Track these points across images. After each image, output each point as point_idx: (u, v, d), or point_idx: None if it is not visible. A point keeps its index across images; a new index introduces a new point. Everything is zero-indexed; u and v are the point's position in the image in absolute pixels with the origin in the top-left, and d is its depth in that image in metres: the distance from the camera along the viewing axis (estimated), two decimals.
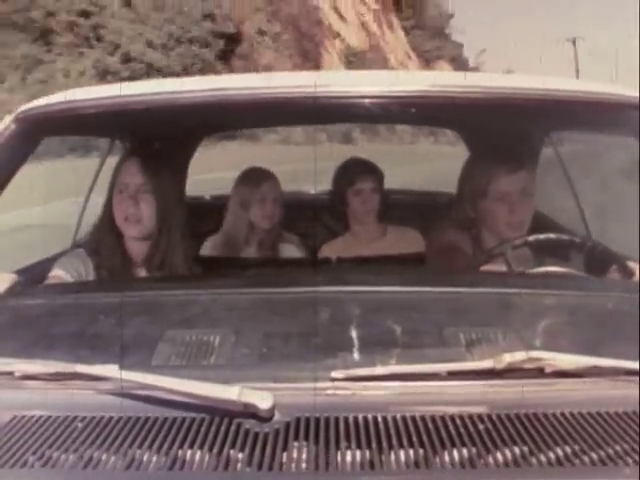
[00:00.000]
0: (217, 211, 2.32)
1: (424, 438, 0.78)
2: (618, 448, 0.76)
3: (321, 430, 0.81)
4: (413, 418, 0.83)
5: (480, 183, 1.78)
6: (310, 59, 27.79)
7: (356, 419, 0.83)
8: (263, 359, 0.99)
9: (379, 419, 0.83)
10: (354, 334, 1.06)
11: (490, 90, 1.44)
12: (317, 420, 0.82)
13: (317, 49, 30.07)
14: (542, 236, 1.59)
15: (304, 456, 0.76)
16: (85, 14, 23.23)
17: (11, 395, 0.93)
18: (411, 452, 0.77)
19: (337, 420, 0.83)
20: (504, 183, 1.74)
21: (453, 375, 0.91)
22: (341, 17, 33.78)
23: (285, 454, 0.76)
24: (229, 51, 25.72)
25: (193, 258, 1.81)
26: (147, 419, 0.84)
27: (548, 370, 0.91)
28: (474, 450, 0.76)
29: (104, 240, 1.74)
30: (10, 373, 0.95)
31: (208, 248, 2.30)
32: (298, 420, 0.82)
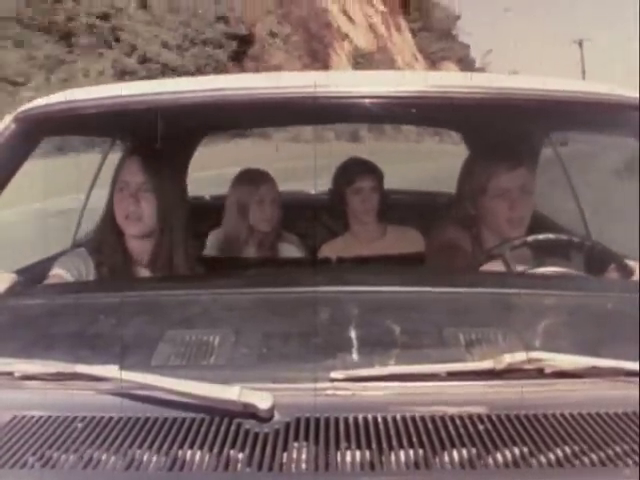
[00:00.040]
0: (218, 211, 2.32)
1: (424, 438, 0.78)
2: (618, 449, 0.76)
3: (321, 430, 0.81)
4: (413, 418, 0.83)
5: (480, 180, 1.79)
6: (319, 60, 28.15)
7: (356, 419, 0.83)
8: (263, 359, 0.99)
9: (379, 419, 0.83)
10: (354, 334, 1.06)
11: (490, 90, 1.44)
12: (317, 420, 0.82)
13: (326, 50, 30.54)
14: (541, 236, 1.59)
15: (304, 456, 0.76)
16: (104, 17, 24.24)
17: (11, 395, 0.93)
18: (411, 452, 0.77)
19: (337, 420, 0.83)
20: (504, 180, 1.74)
21: (453, 375, 0.91)
22: (350, 19, 34.39)
23: (285, 454, 0.76)
24: (241, 52, 26.44)
25: (195, 258, 1.81)
26: (147, 419, 0.84)
27: (548, 371, 0.91)
28: (474, 451, 0.76)
29: (105, 239, 1.74)
30: (10, 373, 0.95)
31: (211, 242, 2.30)
32: (298, 420, 0.82)
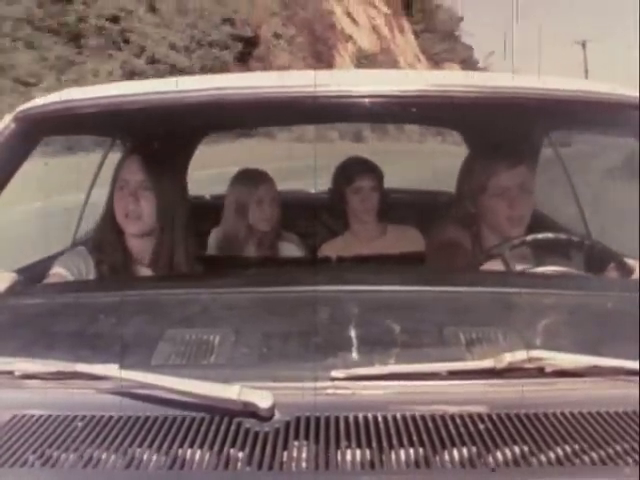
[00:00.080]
0: (219, 210, 2.32)
1: (424, 437, 0.78)
2: (618, 448, 0.76)
3: (321, 429, 0.80)
4: (413, 417, 0.83)
5: (480, 179, 1.79)
6: (323, 61, 28.45)
7: (356, 418, 0.83)
8: (263, 358, 0.99)
9: (379, 418, 0.83)
10: (354, 333, 1.06)
11: (490, 90, 1.44)
12: (317, 419, 0.82)
13: (330, 52, 30.92)
14: (540, 235, 1.59)
15: (304, 455, 0.76)
16: (113, 19, 24.73)
17: (11, 394, 0.93)
18: (411, 451, 0.77)
19: (337, 419, 0.83)
20: (504, 178, 1.74)
21: (453, 374, 0.91)
22: (353, 21, 34.87)
23: (285, 453, 0.76)
24: (247, 53, 26.80)
25: (195, 257, 1.82)
26: (147, 418, 0.84)
27: (548, 370, 0.91)
28: (474, 450, 0.76)
29: (105, 237, 1.75)
30: (10, 372, 0.95)
31: (212, 240, 2.30)
32: (298, 419, 0.82)
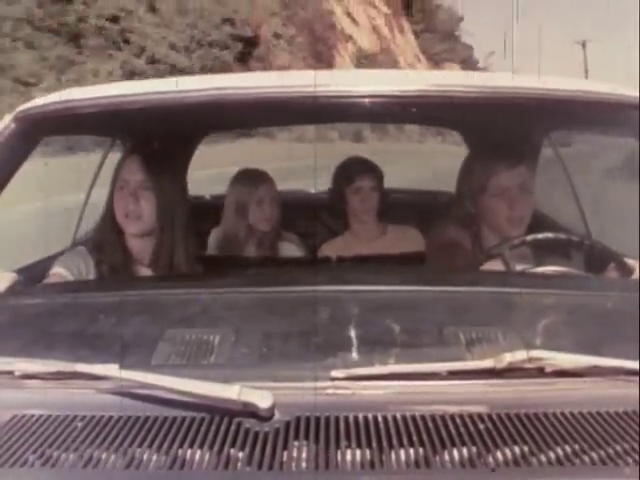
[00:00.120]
0: (220, 210, 2.32)
1: (424, 437, 0.78)
2: (618, 448, 0.76)
3: (321, 429, 0.80)
4: (413, 417, 0.83)
5: (480, 179, 1.79)
6: (323, 61, 28.61)
7: (356, 418, 0.83)
8: (263, 358, 0.99)
9: (379, 418, 0.83)
10: (354, 333, 1.06)
11: (490, 89, 1.44)
12: (317, 419, 0.82)
13: (330, 52, 31.13)
14: (540, 235, 1.59)
15: (304, 455, 0.76)
16: (113, 19, 24.94)
17: (11, 394, 0.93)
18: (411, 451, 0.77)
19: (337, 419, 0.83)
20: (504, 178, 1.74)
21: (453, 374, 0.91)
22: (353, 21, 35.14)
23: (285, 453, 0.76)
24: (247, 53, 26.98)
25: (195, 257, 1.82)
26: (147, 418, 0.84)
27: (548, 370, 0.91)
28: (474, 449, 0.76)
29: (105, 237, 1.75)
30: (10, 372, 0.95)
31: (212, 240, 2.30)
32: (298, 419, 0.82)
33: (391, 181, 2.56)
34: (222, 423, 0.82)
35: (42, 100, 1.55)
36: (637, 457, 0.74)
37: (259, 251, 2.24)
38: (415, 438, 0.78)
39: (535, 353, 0.91)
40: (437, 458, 0.75)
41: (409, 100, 1.44)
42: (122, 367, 0.90)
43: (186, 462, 0.76)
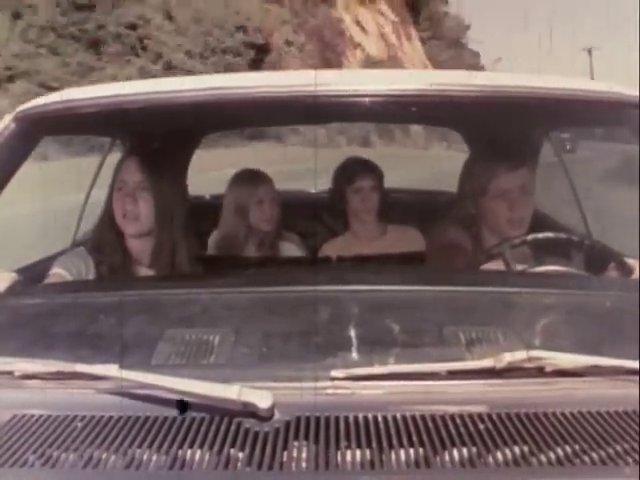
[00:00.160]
0: (219, 210, 2.32)
1: (424, 437, 0.78)
2: (618, 447, 0.76)
3: (321, 429, 0.80)
4: (413, 417, 0.83)
5: (480, 181, 1.79)
6: (332, 67, 29.08)
7: (356, 418, 0.83)
8: (263, 358, 0.99)
9: (379, 418, 0.83)
10: (354, 333, 1.06)
11: (489, 89, 1.44)
12: (317, 419, 0.82)
13: (339, 58, 31.87)
14: (541, 235, 1.59)
15: (304, 455, 0.76)
16: (132, 26, 26.37)
17: (11, 394, 0.93)
18: (411, 451, 0.77)
19: (337, 419, 0.83)
20: (504, 180, 1.74)
21: (453, 374, 0.91)
22: (362, 29, 36.12)
23: (285, 453, 0.76)
24: (259, 60, 27.87)
25: (196, 257, 1.82)
26: (147, 418, 0.84)
27: (548, 369, 0.91)
28: (474, 449, 0.76)
29: (105, 238, 1.75)
30: (10, 372, 0.95)
31: (211, 242, 2.29)
32: (298, 419, 0.82)
33: (397, 183, 2.57)
34: (222, 423, 0.82)
35: (42, 100, 1.55)
36: (637, 457, 0.74)
37: (259, 251, 2.23)
38: (415, 438, 0.78)
39: (535, 353, 0.91)
40: (437, 458, 0.75)
41: (409, 100, 1.44)
42: (122, 367, 0.90)
43: (186, 462, 0.76)
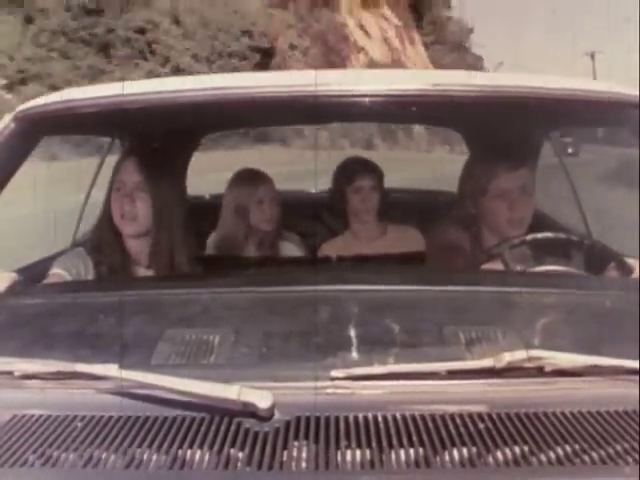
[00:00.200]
0: (219, 210, 2.32)
1: (424, 437, 0.78)
2: (618, 447, 0.76)
3: (321, 429, 0.80)
4: (413, 417, 0.83)
5: (481, 181, 1.79)
6: None
7: (356, 418, 0.83)
8: (263, 358, 0.99)
9: (379, 418, 0.83)
10: (354, 333, 1.06)
11: (489, 89, 1.44)
12: (317, 419, 0.82)
13: (343, 62, 32.50)
14: (540, 235, 1.59)
15: (304, 455, 0.76)
16: (141, 31, 27.38)
17: (11, 394, 0.93)
18: (411, 451, 0.77)
19: (337, 419, 0.83)
20: (504, 180, 1.74)
21: (453, 374, 0.91)
22: (366, 33, 36.90)
23: (285, 453, 0.76)
24: (264, 64, 28.51)
25: (195, 257, 1.81)
26: (147, 418, 0.84)
27: (548, 369, 0.91)
28: (474, 449, 0.76)
29: (103, 238, 1.75)
30: (10, 372, 0.95)
31: (211, 242, 2.29)
32: (298, 419, 0.82)
33: (400, 185, 2.57)
34: (222, 423, 0.82)
35: (42, 100, 1.55)
36: (637, 457, 0.74)
37: (259, 251, 2.23)
38: (415, 438, 0.78)
39: (535, 352, 0.91)
40: (437, 458, 0.75)
41: (410, 99, 1.44)
42: (122, 367, 0.90)
43: (186, 462, 0.76)
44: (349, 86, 1.41)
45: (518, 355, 0.90)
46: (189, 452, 0.77)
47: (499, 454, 0.75)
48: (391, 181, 2.44)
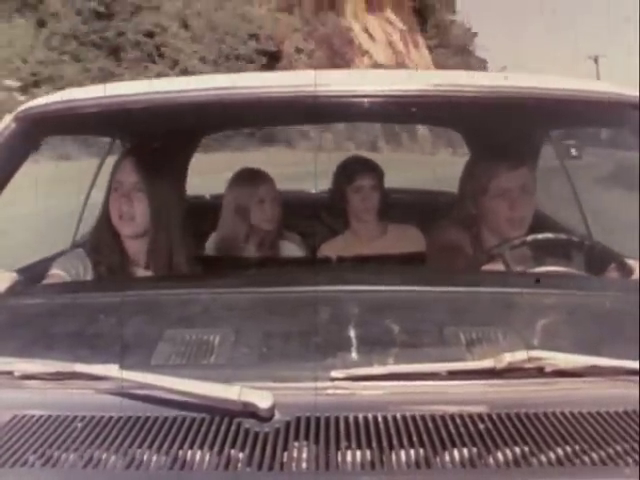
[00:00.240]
0: (219, 210, 2.32)
1: (424, 438, 0.78)
2: (618, 448, 0.76)
3: (321, 430, 0.80)
4: (413, 418, 0.83)
5: (481, 180, 1.79)
6: None
7: (356, 419, 0.83)
8: (263, 358, 0.99)
9: (379, 419, 0.83)
10: (354, 333, 1.06)
11: (489, 89, 1.44)
12: (317, 420, 0.82)
13: (347, 65, 33.14)
14: (540, 236, 1.59)
15: (304, 456, 0.76)
16: (149, 34, 28.04)
17: (11, 394, 0.93)
18: (411, 452, 0.77)
19: (337, 420, 0.83)
20: (505, 180, 1.74)
21: (453, 374, 0.91)
22: (370, 37, 37.75)
23: (285, 454, 0.76)
24: (271, 67, 28.97)
25: (195, 257, 1.81)
26: (147, 418, 0.84)
27: (548, 370, 0.91)
28: (474, 450, 0.76)
29: (102, 238, 1.75)
30: (10, 372, 0.95)
31: (211, 242, 2.29)
32: (298, 420, 0.82)
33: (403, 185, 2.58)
34: (222, 423, 0.82)
35: (43, 100, 1.55)
36: (637, 457, 0.74)
37: (260, 251, 2.23)
38: (415, 438, 0.78)
39: (535, 353, 0.91)
40: (437, 458, 0.75)
41: (410, 100, 1.44)
42: (122, 367, 0.90)
43: (186, 462, 0.76)
44: (349, 86, 1.41)
45: (518, 356, 0.90)
46: (189, 452, 0.77)
47: (499, 455, 0.75)
48: (394, 182, 2.44)
